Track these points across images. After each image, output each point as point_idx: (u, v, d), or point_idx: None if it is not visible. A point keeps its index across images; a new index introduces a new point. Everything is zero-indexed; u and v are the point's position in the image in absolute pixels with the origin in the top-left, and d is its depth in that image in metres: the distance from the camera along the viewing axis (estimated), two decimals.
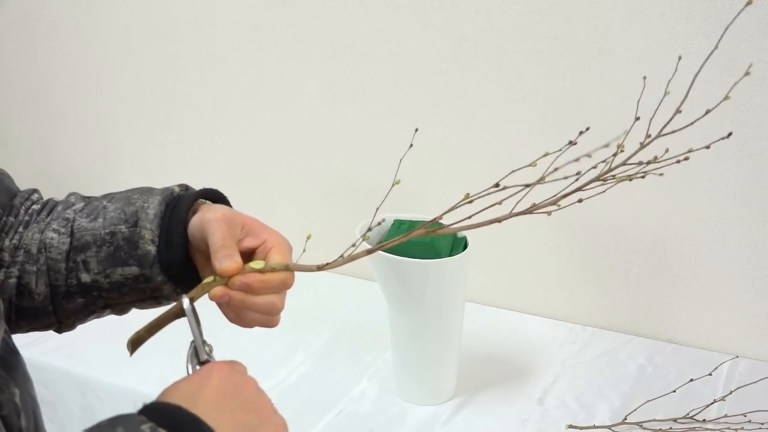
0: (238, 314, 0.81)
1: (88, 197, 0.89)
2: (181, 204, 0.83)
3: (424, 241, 1.16)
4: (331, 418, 1.22)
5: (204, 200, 0.85)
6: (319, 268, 0.79)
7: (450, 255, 1.17)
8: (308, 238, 0.82)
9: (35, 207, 0.88)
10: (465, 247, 1.19)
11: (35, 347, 1.35)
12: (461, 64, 1.41)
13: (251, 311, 0.80)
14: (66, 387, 1.35)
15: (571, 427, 1.18)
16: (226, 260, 0.76)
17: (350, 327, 1.45)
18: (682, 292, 1.38)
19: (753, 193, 1.28)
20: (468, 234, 1.21)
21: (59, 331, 0.89)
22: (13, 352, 0.77)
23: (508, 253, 1.48)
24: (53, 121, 1.87)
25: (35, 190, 0.92)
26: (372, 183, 1.53)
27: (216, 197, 0.87)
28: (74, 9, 1.74)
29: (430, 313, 1.18)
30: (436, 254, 1.15)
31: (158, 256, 0.82)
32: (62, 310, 0.86)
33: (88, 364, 1.35)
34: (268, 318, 0.83)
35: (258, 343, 1.41)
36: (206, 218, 0.79)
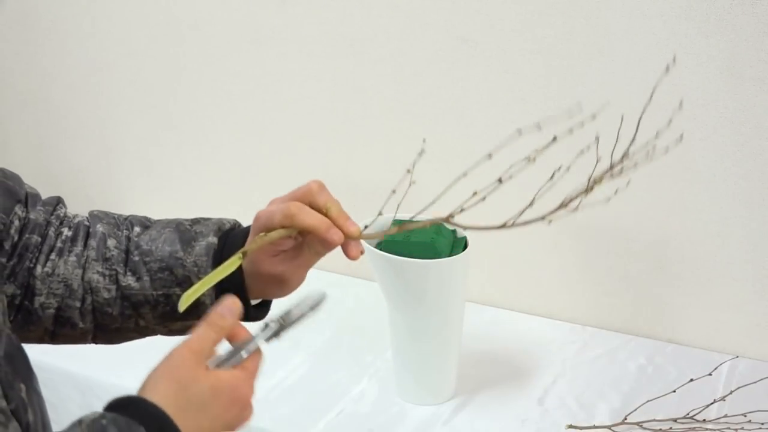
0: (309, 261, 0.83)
1: (115, 226, 0.87)
2: (231, 242, 0.83)
3: (424, 241, 1.17)
4: (331, 418, 1.22)
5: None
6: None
7: (450, 255, 1.17)
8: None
9: (67, 233, 0.87)
10: (465, 247, 1.19)
11: (35, 347, 1.35)
12: (461, 64, 1.41)
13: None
14: (66, 387, 1.35)
15: (571, 427, 1.18)
16: (352, 226, 0.80)
17: (350, 327, 1.45)
18: (682, 292, 1.38)
19: (753, 193, 1.28)
20: (468, 234, 1.21)
21: (97, 343, 0.90)
22: (18, 348, 0.77)
23: (508, 253, 1.48)
24: (53, 121, 1.87)
25: (59, 201, 0.90)
26: (372, 183, 1.53)
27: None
28: (74, 9, 1.74)
29: (430, 313, 1.18)
30: (436, 254, 1.15)
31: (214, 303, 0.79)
32: (109, 338, 0.87)
33: (88, 364, 1.35)
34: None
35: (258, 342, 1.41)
36: (270, 211, 0.79)
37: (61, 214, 0.89)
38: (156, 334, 0.87)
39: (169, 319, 0.84)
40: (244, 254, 0.78)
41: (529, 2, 1.33)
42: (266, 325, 0.78)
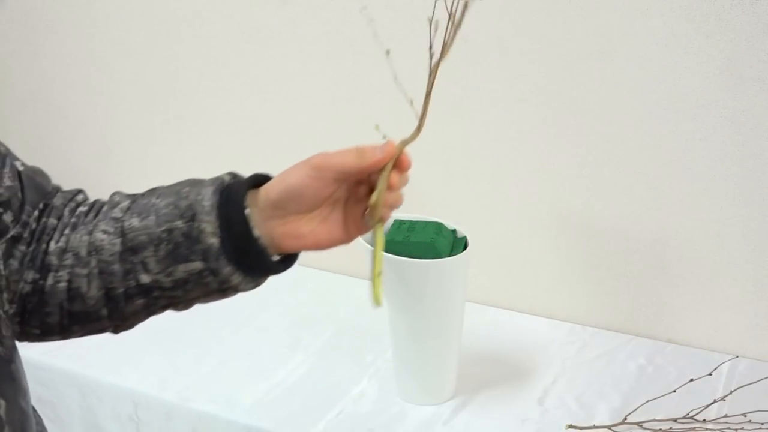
0: (397, 199, 0.82)
1: (133, 195, 0.87)
2: (234, 192, 0.81)
3: (424, 241, 1.17)
4: (331, 418, 1.22)
5: (253, 189, 0.83)
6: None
7: (450, 255, 1.17)
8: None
9: (82, 209, 0.86)
10: (465, 247, 1.19)
11: (35, 347, 1.34)
12: (461, 64, 1.41)
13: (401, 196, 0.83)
14: (66, 387, 1.35)
15: (571, 427, 1.18)
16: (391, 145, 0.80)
17: (350, 327, 1.45)
18: (682, 292, 1.38)
19: (753, 193, 1.28)
20: (468, 234, 1.21)
21: (116, 332, 0.88)
22: (6, 361, 0.76)
23: (508, 253, 1.48)
24: (53, 121, 1.87)
25: (80, 191, 0.90)
26: None
27: (263, 180, 0.84)
28: (74, 9, 1.74)
29: (430, 313, 1.18)
30: (436, 254, 1.15)
31: (223, 247, 0.79)
32: (119, 312, 0.83)
33: (88, 364, 1.35)
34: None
35: (258, 343, 1.41)
36: (316, 161, 0.79)
37: (80, 199, 0.88)
38: (162, 300, 0.83)
39: (172, 262, 0.80)
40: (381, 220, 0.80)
41: (529, 2, 1.33)
42: None
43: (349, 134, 1.57)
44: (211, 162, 1.72)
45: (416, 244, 1.16)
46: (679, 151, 1.31)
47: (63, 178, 2.06)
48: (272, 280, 1.51)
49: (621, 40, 1.29)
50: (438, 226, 1.21)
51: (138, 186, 1.82)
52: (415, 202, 1.45)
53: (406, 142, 0.82)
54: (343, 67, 1.50)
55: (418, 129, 0.82)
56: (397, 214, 1.24)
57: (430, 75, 0.79)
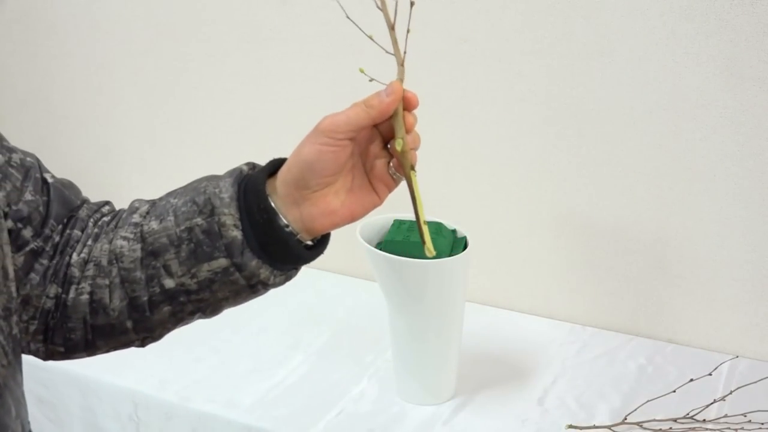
0: (416, 139, 0.78)
1: (152, 199, 0.84)
2: (254, 182, 0.77)
3: None
4: (331, 418, 1.22)
5: (273, 176, 0.79)
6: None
7: (450, 255, 1.17)
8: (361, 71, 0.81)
9: (105, 219, 0.84)
10: (465, 247, 1.19)
11: None
12: (461, 64, 1.41)
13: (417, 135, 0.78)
14: (66, 387, 1.35)
15: (571, 427, 1.18)
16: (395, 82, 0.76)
17: (350, 327, 1.45)
18: (682, 292, 1.38)
19: (753, 193, 1.28)
20: (468, 234, 1.21)
21: (143, 345, 0.84)
22: None
23: (508, 253, 1.48)
24: (53, 121, 1.87)
25: (107, 202, 0.87)
26: None
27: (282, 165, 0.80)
28: (74, 9, 1.74)
29: (430, 313, 1.18)
30: (436, 254, 1.15)
31: (246, 240, 0.76)
32: (145, 322, 0.80)
33: (88, 364, 1.34)
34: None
35: (258, 343, 1.41)
36: (324, 126, 0.75)
37: (106, 210, 0.86)
38: (189, 306, 0.80)
39: (195, 262, 0.77)
40: (412, 167, 0.76)
41: (529, 2, 1.33)
42: None
43: None
44: (211, 162, 1.72)
45: (416, 244, 1.16)
46: (679, 151, 1.31)
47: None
48: None
49: (621, 40, 1.29)
50: (438, 226, 1.21)
51: (138, 186, 1.83)
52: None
53: (401, 81, 0.78)
54: (343, 67, 1.50)
55: (401, 63, 0.78)
56: (397, 214, 1.24)
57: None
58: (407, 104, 0.76)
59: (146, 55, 1.70)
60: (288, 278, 0.80)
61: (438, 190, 1.49)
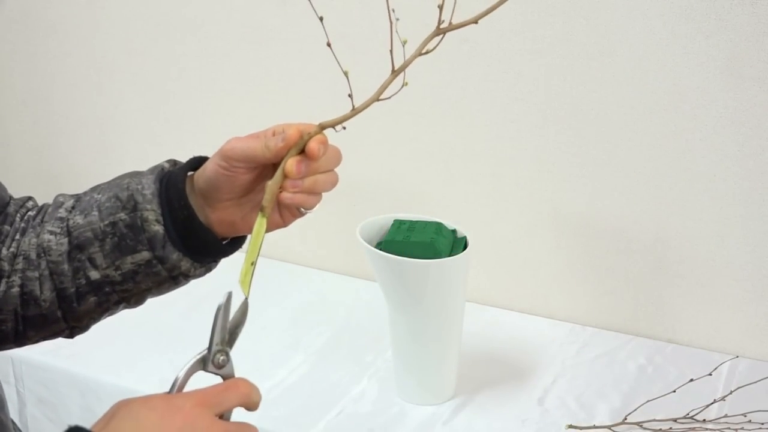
0: (313, 185, 0.76)
1: (77, 194, 0.87)
2: (174, 178, 0.81)
3: (424, 241, 1.17)
4: (331, 418, 1.22)
5: (193, 172, 0.83)
6: (348, 116, 0.76)
7: (450, 255, 1.17)
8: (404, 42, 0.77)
9: (30, 213, 0.87)
10: (465, 247, 1.19)
11: (35, 347, 1.35)
12: (461, 64, 1.41)
13: (320, 181, 0.77)
14: (66, 387, 1.35)
15: (571, 427, 1.18)
16: (309, 126, 0.76)
17: (350, 327, 1.45)
18: (682, 292, 1.38)
19: (753, 193, 1.28)
20: (468, 234, 1.21)
21: (71, 335, 0.88)
22: None
23: (508, 253, 1.48)
24: (53, 121, 1.87)
25: (30, 198, 0.90)
26: (372, 183, 1.53)
27: (203, 163, 0.83)
28: (74, 9, 1.74)
29: (430, 313, 1.18)
30: (436, 254, 1.15)
31: (167, 234, 0.80)
32: (73, 312, 0.84)
33: (88, 364, 1.35)
34: (317, 197, 0.79)
35: (258, 343, 1.41)
36: (224, 150, 0.77)
37: (30, 205, 0.89)
38: (114, 296, 0.83)
39: (119, 255, 0.81)
40: (264, 210, 0.74)
41: (529, 2, 1.33)
42: (213, 356, 0.78)
43: (348, 134, 1.57)
44: None
45: (416, 244, 1.16)
46: (679, 151, 1.31)
47: (63, 178, 2.07)
48: (273, 280, 1.51)
49: (621, 40, 1.29)
50: (438, 226, 1.21)
51: None
52: (415, 202, 1.46)
53: (324, 126, 0.76)
54: (343, 67, 1.50)
55: (352, 113, 0.76)
56: (397, 214, 1.24)
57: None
58: (309, 154, 0.75)
59: (146, 55, 1.70)
60: (208, 270, 0.84)
61: (438, 190, 1.49)
